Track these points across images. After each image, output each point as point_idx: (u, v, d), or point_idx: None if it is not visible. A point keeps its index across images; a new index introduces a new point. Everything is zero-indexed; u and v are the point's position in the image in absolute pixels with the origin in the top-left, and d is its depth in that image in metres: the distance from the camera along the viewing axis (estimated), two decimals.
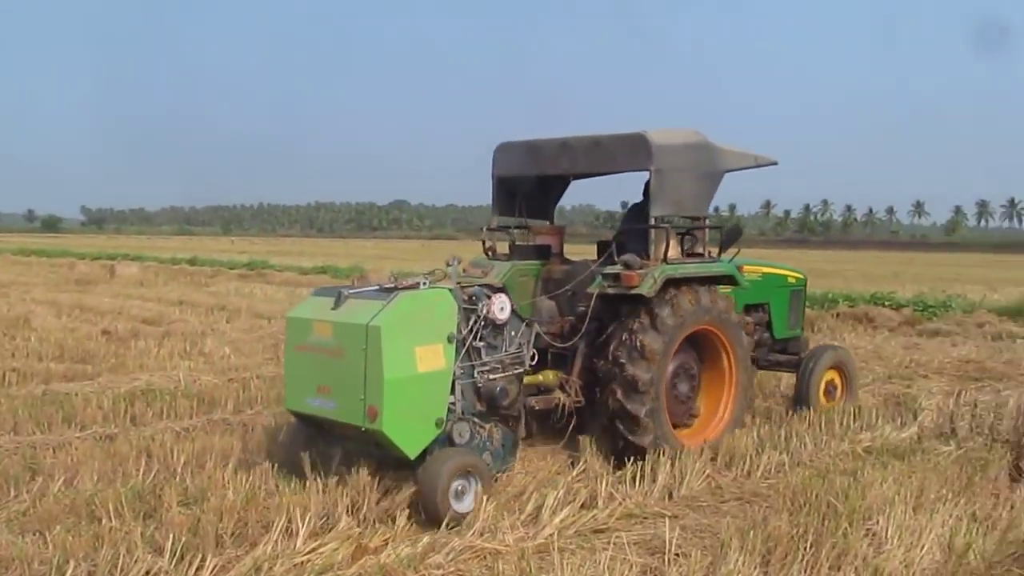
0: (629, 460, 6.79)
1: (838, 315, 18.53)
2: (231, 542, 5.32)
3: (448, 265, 6.95)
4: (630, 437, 7.01)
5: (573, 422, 7.23)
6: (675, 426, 7.43)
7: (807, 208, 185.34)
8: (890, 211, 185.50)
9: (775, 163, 8.83)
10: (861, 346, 14.52)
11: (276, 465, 6.50)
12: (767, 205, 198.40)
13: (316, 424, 6.61)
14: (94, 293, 22.03)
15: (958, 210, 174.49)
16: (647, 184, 7.74)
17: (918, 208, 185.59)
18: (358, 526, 5.56)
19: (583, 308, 7.39)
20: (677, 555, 5.25)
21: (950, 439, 7.87)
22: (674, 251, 7.59)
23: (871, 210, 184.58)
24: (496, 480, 6.42)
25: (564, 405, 7.15)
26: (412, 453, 6.06)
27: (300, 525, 5.32)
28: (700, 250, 7.94)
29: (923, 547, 5.26)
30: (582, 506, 6.02)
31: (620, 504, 6.11)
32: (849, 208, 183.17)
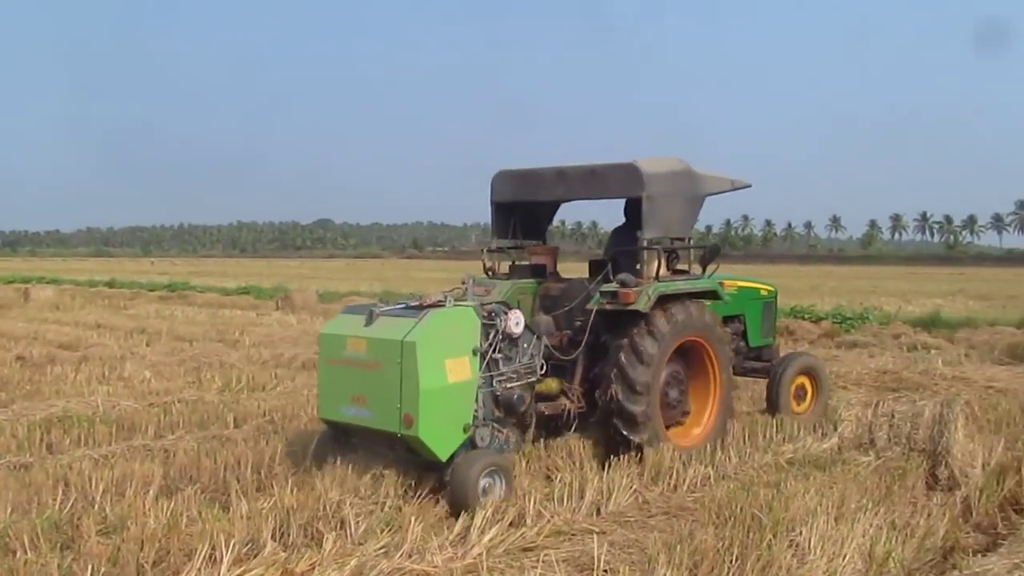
0: (622, 456, 7.40)
1: None
2: (153, 572, 5.20)
3: (463, 283, 7.76)
4: (627, 434, 7.60)
5: (575, 425, 7.91)
6: (666, 427, 7.96)
7: (728, 223, 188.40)
8: (808, 226, 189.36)
9: (749, 185, 9.49)
10: None
11: (199, 491, 6.38)
12: None
13: (348, 432, 7.11)
14: (8, 318, 21.46)
15: (873, 224, 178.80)
16: (628, 208, 8.74)
17: (835, 223, 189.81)
18: (284, 550, 5.45)
19: (581, 322, 8.02)
20: (605, 571, 5.27)
21: (869, 449, 8.03)
22: (663, 269, 8.18)
23: (790, 225, 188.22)
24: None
25: (570, 411, 7.86)
26: (443, 456, 6.62)
27: (224, 552, 5.20)
28: (685, 268, 8.62)
29: (845, 556, 5.37)
30: (510, 524, 6.00)
31: (548, 522, 6.11)
32: (768, 223, 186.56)
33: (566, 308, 8.29)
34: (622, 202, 8.87)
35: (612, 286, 7.81)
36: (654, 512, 6.58)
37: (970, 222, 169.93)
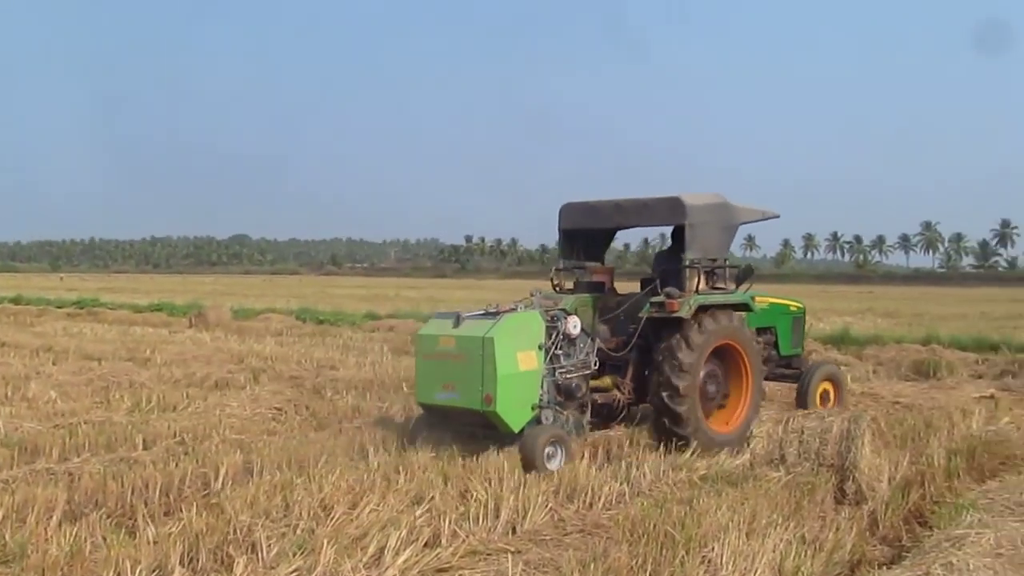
0: (671, 445, 8.84)
1: None
2: None
3: (532, 295, 9.44)
4: (675, 429, 9.03)
5: (624, 413, 9.64)
6: (706, 415, 9.45)
7: (646, 242, 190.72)
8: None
9: (777, 216, 11.34)
10: None
11: (105, 515, 6.20)
12: None
13: (440, 412, 8.80)
14: None
15: (786, 243, 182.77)
16: (674, 234, 10.30)
17: (750, 242, 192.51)
18: None
19: (632, 328, 9.54)
20: None
21: (780, 465, 8.16)
22: (703, 285, 9.73)
23: None
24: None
25: (620, 401, 9.55)
26: (516, 428, 8.40)
27: None
28: (722, 285, 10.08)
29: (756, 571, 5.45)
30: (425, 545, 5.94)
31: (464, 541, 6.08)
32: None
33: (620, 316, 9.96)
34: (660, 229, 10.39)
35: (660, 298, 9.33)
36: (569, 530, 6.58)
37: (879, 242, 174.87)
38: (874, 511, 7.29)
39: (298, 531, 6.06)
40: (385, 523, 6.22)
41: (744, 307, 10.14)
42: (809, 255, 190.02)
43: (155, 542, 5.67)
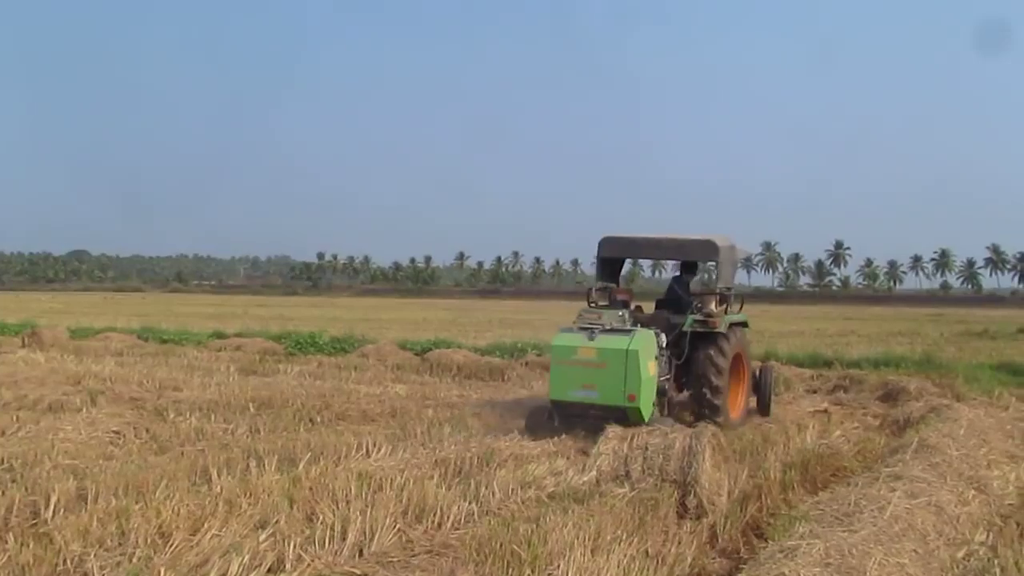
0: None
1: (527, 363, 19.25)
2: None
3: (620, 315, 11.28)
4: (713, 417, 11.39)
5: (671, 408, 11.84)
6: None
7: (499, 260, 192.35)
8: (575, 263, 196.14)
9: (751, 254, 16.89)
10: (543, 395, 15.12)
11: None
12: (461, 257, 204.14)
13: (571, 407, 10.88)
14: None
15: (635, 262, 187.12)
16: (684, 266, 13.21)
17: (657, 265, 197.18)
18: None
19: (673, 339, 11.80)
20: None
21: (625, 481, 8.33)
22: (718, 307, 12.33)
23: (558, 261, 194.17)
24: None
25: (671, 397, 11.83)
26: (647, 419, 10.46)
27: None
28: (732, 307, 12.79)
29: None
30: (269, 570, 5.79)
31: (309, 566, 5.95)
32: (538, 260, 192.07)
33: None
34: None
35: (701, 316, 11.92)
36: (417, 551, 6.52)
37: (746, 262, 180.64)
38: (714, 524, 7.52)
39: (134, 559, 5.83)
40: (227, 549, 6.01)
41: (745, 324, 13.05)
42: (657, 274, 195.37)
43: None
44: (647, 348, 10.74)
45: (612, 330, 10.86)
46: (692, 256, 12.81)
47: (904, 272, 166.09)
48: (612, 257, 12.81)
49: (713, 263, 12.90)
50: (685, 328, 11.80)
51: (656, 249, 13.35)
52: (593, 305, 12.21)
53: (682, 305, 12.39)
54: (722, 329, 11.81)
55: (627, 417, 10.32)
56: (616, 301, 12.30)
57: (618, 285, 13.02)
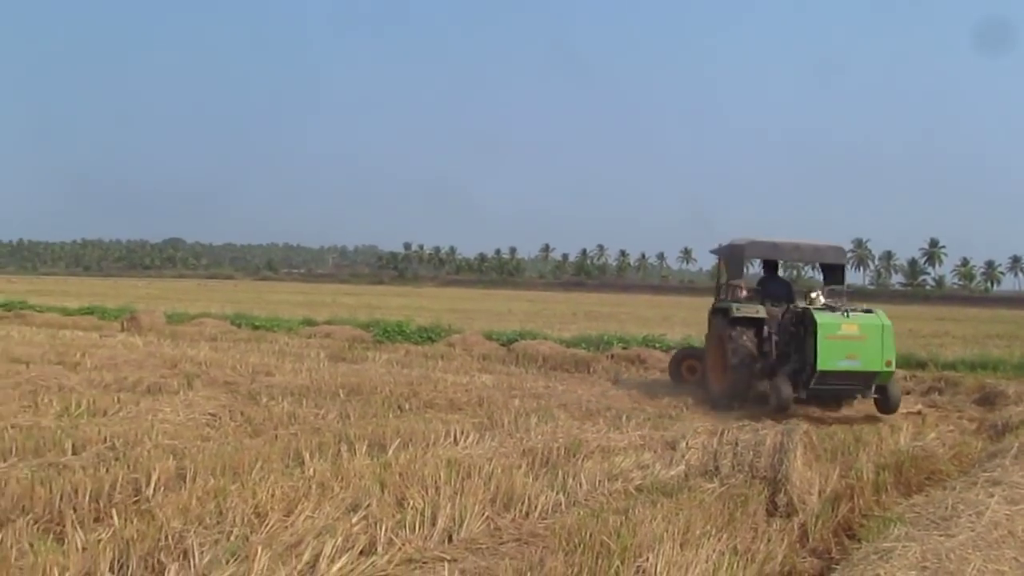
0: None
1: (612, 356, 19.19)
2: None
3: (812, 294, 14.04)
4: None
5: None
6: None
7: (584, 252, 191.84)
8: (661, 256, 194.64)
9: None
10: (634, 386, 15.10)
11: (32, 522, 6.06)
12: (546, 249, 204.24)
13: (837, 375, 12.81)
14: None
15: None
16: (767, 265, 15.48)
17: (686, 254, 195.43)
18: None
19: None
20: None
21: (714, 476, 8.26)
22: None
23: (643, 255, 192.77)
24: None
25: None
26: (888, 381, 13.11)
27: None
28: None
29: None
30: (361, 553, 5.90)
31: (400, 549, 6.05)
32: (623, 253, 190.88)
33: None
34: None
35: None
36: (506, 539, 6.59)
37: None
38: (804, 523, 7.41)
39: (231, 538, 5.97)
40: (320, 530, 6.16)
41: None
42: (746, 269, 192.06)
43: (84, 549, 5.55)
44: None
45: (863, 310, 13.17)
46: (822, 259, 15.07)
47: (1002, 273, 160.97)
48: (754, 258, 14.87)
49: (841, 265, 14.93)
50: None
51: (794, 252, 15.34)
52: (726, 298, 14.76)
53: (790, 299, 14.60)
54: None
55: (879, 381, 12.84)
56: (740, 296, 14.63)
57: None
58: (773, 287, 14.96)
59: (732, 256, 14.93)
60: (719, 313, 14.46)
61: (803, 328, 13.14)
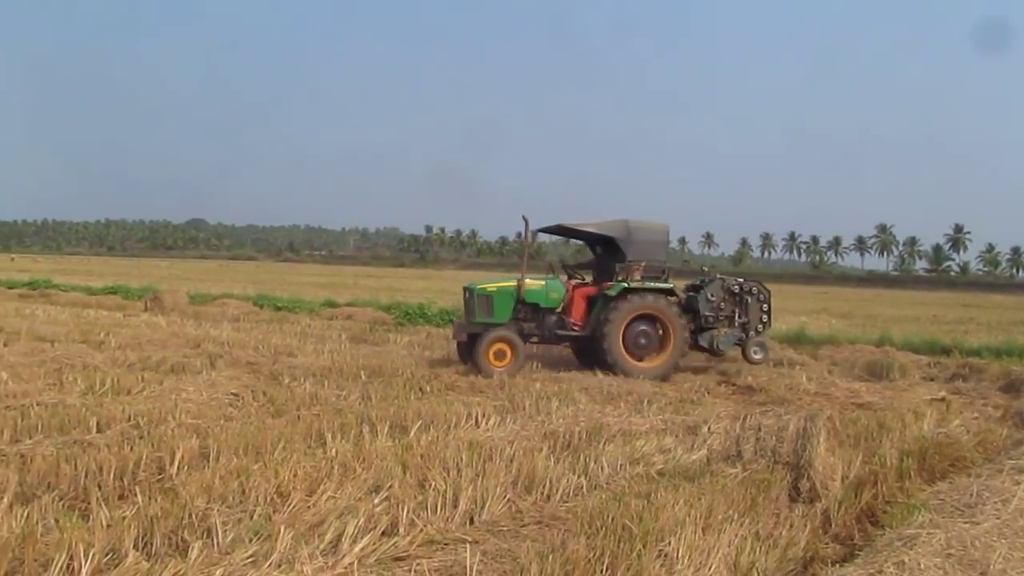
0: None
1: None
2: None
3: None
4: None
5: None
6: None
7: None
8: (682, 241, 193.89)
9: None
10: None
11: (57, 498, 6.11)
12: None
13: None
14: None
15: (744, 242, 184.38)
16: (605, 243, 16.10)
17: (708, 239, 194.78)
18: (147, 560, 5.27)
19: None
20: None
21: (736, 461, 8.23)
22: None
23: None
24: None
25: None
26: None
27: (83, 562, 5.01)
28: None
29: (711, 566, 5.48)
30: (383, 533, 5.92)
31: (422, 531, 6.06)
32: None
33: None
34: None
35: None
36: (527, 521, 6.60)
37: (835, 243, 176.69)
38: (827, 509, 7.36)
39: (255, 517, 6.01)
40: (342, 510, 6.20)
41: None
42: (766, 254, 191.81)
43: (109, 525, 5.60)
44: None
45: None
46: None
47: None
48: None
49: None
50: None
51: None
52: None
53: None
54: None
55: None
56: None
57: None
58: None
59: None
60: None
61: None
